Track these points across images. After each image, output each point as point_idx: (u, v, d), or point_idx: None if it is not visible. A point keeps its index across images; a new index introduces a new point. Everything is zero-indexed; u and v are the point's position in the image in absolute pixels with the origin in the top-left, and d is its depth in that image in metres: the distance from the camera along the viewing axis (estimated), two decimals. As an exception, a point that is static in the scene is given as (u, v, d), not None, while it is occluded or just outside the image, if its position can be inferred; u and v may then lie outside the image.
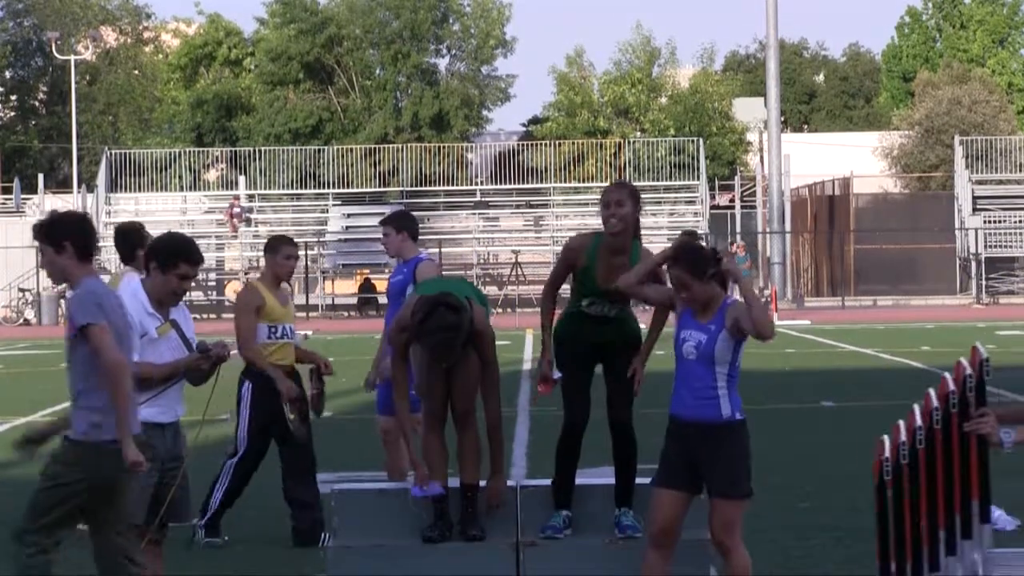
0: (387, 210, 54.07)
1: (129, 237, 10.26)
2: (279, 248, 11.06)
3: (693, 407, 7.83)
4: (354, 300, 53.28)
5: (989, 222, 55.00)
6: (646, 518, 8.17)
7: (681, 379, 7.90)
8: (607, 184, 8.60)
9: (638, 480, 8.61)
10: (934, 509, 6.82)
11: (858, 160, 65.41)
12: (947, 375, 7.25)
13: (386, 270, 47.87)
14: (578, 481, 8.74)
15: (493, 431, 8.51)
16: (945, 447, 7.07)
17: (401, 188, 58.61)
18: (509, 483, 9.12)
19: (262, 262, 60.36)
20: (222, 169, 62.75)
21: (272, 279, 11.05)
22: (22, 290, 51.28)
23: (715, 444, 7.80)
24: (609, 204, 8.56)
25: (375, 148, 61.02)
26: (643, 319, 8.71)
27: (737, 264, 8.05)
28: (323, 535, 10.02)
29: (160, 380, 7.86)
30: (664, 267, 8.10)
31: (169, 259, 7.93)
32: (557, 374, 8.64)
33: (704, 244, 7.93)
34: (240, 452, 10.93)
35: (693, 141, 58.96)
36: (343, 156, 59.45)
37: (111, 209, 55.94)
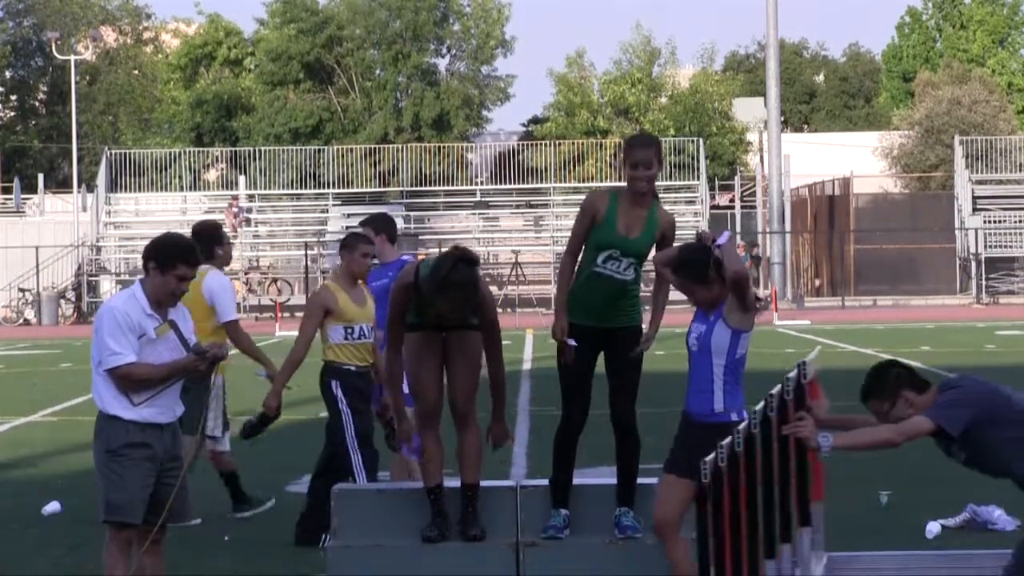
0: (387, 210, 54.05)
1: (204, 237, 10.90)
2: (356, 246, 10.87)
3: (692, 400, 8.01)
4: (354, 300, 53.24)
5: (989, 222, 54.98)
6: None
7: (689, 373, 8.07)
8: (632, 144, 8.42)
9: (640, 480, 8.61)
10: (753, 511, 6.84)
11: (858, 160, 65.37)
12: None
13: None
14: (578, 481, 8.74)
15: (497, 386, 8.50)
16: (764, 450, 7.06)
17: (401, 188, 58.58)
18: (509, 483, 9.13)
19: (262, 262, 59.60)
20: (222, 169, 62.72)
21: (348, 277, 10.87)
22: (22, 290, 51.27)
23: (710, 444, 7.84)
24: (638, 165, 8.43)
25: (375, 148, 60.99)
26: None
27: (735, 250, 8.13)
28: (323, 536, 10.02)
29: (158, 381, 7.84)
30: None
31: (168, 260, 7.90)
32: (572, 342, 8.53)
33: (710, 243, 7.99)
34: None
35: (693, 141, 58.94)
36: (343, 156, 59.42)
37: (111, 209, 55.93)
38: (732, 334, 7.91)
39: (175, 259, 7.88)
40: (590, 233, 8.52)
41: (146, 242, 8.22)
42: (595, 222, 8.49)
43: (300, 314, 51.65)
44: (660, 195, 8.87)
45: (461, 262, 8.17)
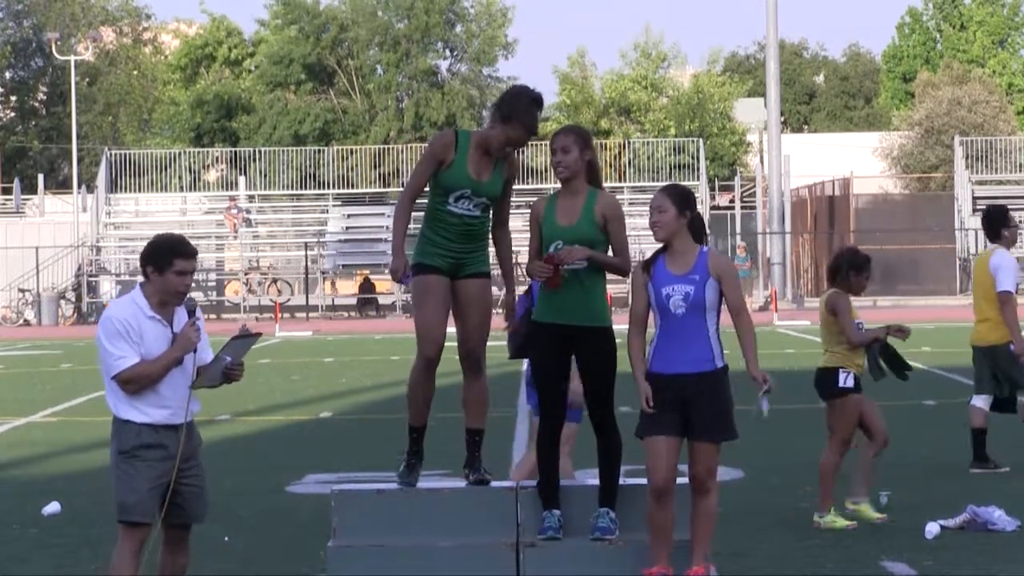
0: (388, 211, 54.17)
1: (995, 218, 13.26)
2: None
3: (685, 360, 8.13)
4: (354, 300, 53.27)
5: (989, 223, 54.93)
6: (647, 472, 8.32)
7: (669, 335, 8.16)
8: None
9: (623, 481, 8.62)
10: None
11: (858, 160, 65.38)
12: None
13: (384, 270, 47.76)
14: (577, 482, 8.74)
15: (506, 260, 8.84)
16: None
17: (402, 189, 58.52)
18: (509, 483, 9.14)
19: (262, 262, 59.47)
20: (222, 170, 62.72)
21: None
22: (22, 290, 51.29)
23: (705, 392, 8.11)
24: (556, 151, 8.61)
25: (377, 149, 60.97)
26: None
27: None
28: None
29: (161, 372, 7.80)
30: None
31: (164, 260, 7.89)
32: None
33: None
34: None
35: (694, 141, 58.97)
36: (344, 157, 59.40)
37: (111, 210, 55.91)
38: (719, 292, 8.13)
39: (170, 256, 7.91)
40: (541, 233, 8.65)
41: (146, 242, 8.24)
42: (538, 222, 8.65)
43: (300, 314, 51.39)
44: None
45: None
